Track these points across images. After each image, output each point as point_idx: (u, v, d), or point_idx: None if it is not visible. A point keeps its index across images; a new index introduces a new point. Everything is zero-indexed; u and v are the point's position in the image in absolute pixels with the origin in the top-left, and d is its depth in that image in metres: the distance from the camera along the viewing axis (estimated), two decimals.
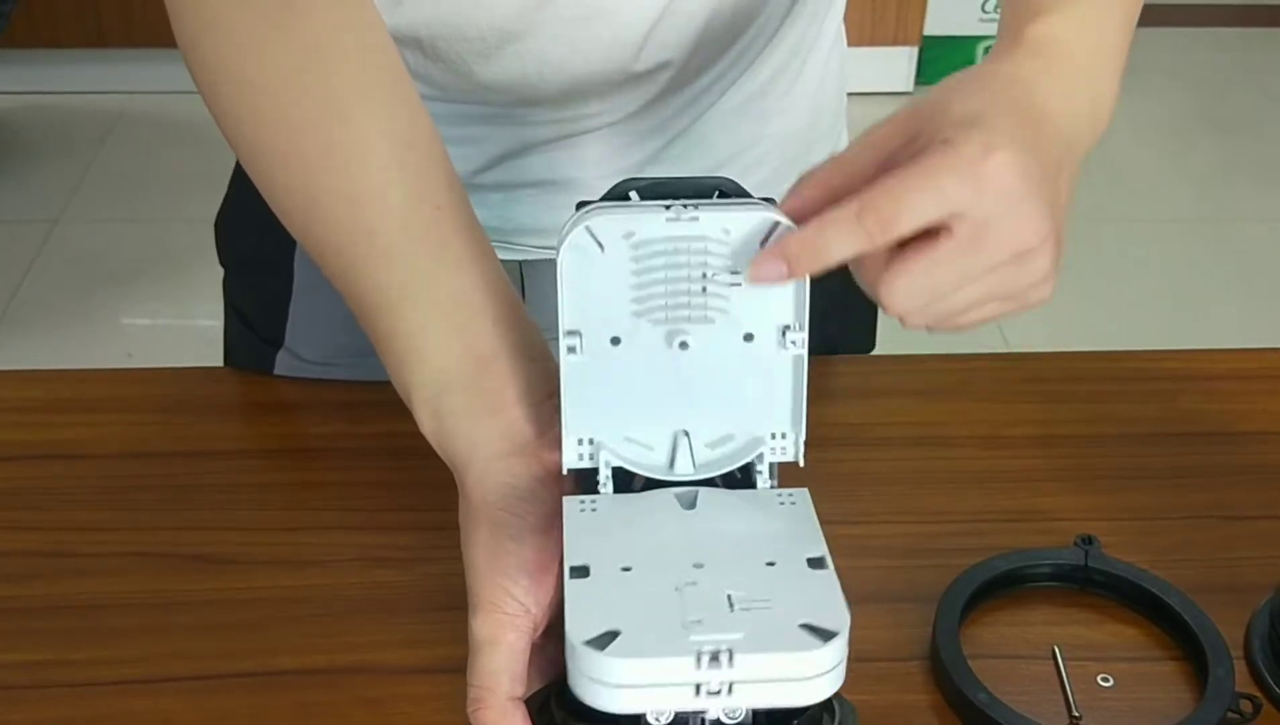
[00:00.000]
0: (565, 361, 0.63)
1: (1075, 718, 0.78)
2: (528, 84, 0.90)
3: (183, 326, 2.78)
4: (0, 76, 3.47)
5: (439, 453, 0.71)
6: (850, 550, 0.88)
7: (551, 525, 0.66)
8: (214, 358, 1.14)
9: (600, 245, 0.62)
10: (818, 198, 0.62)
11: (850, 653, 0.80)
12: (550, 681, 0.66)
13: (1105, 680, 0.80)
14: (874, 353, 1.16)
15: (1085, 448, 0.97)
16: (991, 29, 3.67)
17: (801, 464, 0.65)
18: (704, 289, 0.62)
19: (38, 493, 0.93)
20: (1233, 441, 0.98)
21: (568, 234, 0.62)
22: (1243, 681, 0.79)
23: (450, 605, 0.83)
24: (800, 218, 0.61)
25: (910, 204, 0.58)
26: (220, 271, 1.13)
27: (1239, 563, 0.88)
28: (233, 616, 0.84)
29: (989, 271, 0.61)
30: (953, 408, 1.01)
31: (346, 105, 0.73)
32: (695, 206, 0.62)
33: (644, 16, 0.87)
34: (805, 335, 0.63)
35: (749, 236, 0.61)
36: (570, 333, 0.63)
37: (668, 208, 0.61)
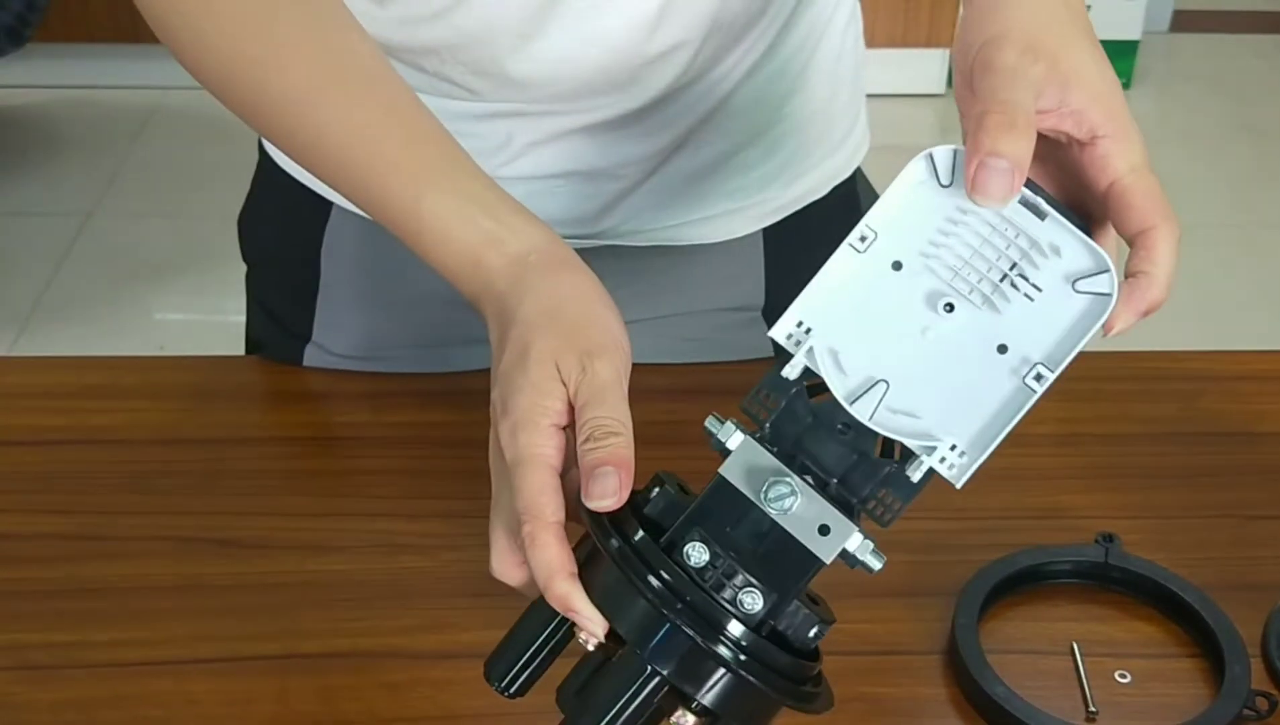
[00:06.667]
0: (844, 251, 0.63)
1: (1092, 713, 0.78)
2: (547, 80, 0.91)
3: (214, 321, 2.79)
4: (36, 71, 3.49)
5: (500, 242, 0.73)
6: None
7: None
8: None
9: (953, 176, 0.61)
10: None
11: (870, 646, 0.81)
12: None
13: (1123, 676, 0.80)
14: None
15: (1107, 447, 0.98)
16: None
17: (957, 487, 0.63)
18: (1001, 279, 0.61)
19: (68, 477, 0.94)
20: (1253, 442, 0.98)
21: (935, 149, 0.62)
22: (1259, 679, 0.79)
23: (473, 592, 0.84)
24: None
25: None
26: None
27: (1258, 562, 0.88)
28: (257, 600, 0.85)
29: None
30: None
31: (329, 16, 0.78)
32: (1051, 209, 0.61)
33: (650, 5, 0.88)
34: (1051, 379, 0.61)
35: (1070, 271, 0.60)
36: (868, 229, 0.63)
37: (1032, 199, 0.61)
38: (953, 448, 0.62)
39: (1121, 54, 3.71)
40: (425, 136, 0.76)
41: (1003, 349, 0.61)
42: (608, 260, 1.02)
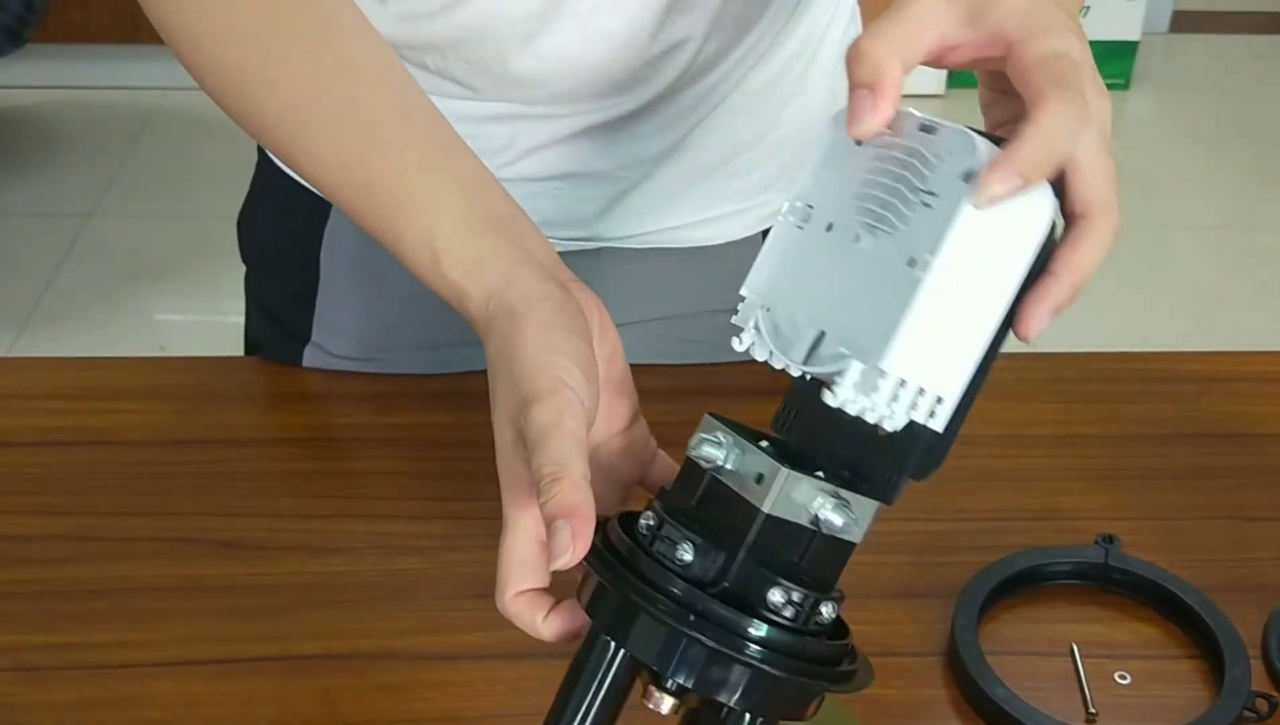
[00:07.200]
0: (787, 228, 0.64)
1: (1091, 715, 0.78)
2: (548, 78, 0.91)
3: (215, 322, 2.79)
4: (36, 71, 3.49)
5: (467, 294, 0.71)
6: (871, 546, 0.88)
7: (591, 341, 0.68)
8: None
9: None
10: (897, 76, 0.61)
11: (869, 647, 0.81)
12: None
13: (1123, 678, 0.81)
14: None
15: (1107, 448, 0.98)
16: None
17: (872, 403, 0.59)
18: (903, 202, 0.61)
19: (67, 478, 0.94)
20: (1253, 443, 0.98)
21: (837, 113, 0.63)
22: (1259, 681, 0.79)
23: (474, 593, 0.84)
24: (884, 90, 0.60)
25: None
26: None
27: (1258, 563, 0.88)
28: (257, 601, 0.85)
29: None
30: (975, 406, 1.00)
31: (329, 27, 0.76)
32: (944, 123, 0.61)
33: (654, 2, 0.88)
34: (935, 263, 0.59)
35: (959, 167, 0.60)
36: (806, 206, 0.64)
37: (927, 121, 0.61)
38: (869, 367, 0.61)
39: (1121, 55, 3.71)
40: (400, 167, 0.74)
41: (911, 262, 0.60)
42: (607, 262, 1.02)
